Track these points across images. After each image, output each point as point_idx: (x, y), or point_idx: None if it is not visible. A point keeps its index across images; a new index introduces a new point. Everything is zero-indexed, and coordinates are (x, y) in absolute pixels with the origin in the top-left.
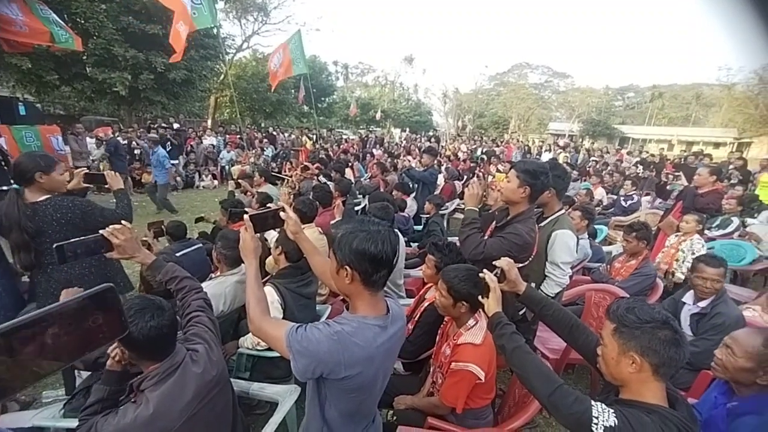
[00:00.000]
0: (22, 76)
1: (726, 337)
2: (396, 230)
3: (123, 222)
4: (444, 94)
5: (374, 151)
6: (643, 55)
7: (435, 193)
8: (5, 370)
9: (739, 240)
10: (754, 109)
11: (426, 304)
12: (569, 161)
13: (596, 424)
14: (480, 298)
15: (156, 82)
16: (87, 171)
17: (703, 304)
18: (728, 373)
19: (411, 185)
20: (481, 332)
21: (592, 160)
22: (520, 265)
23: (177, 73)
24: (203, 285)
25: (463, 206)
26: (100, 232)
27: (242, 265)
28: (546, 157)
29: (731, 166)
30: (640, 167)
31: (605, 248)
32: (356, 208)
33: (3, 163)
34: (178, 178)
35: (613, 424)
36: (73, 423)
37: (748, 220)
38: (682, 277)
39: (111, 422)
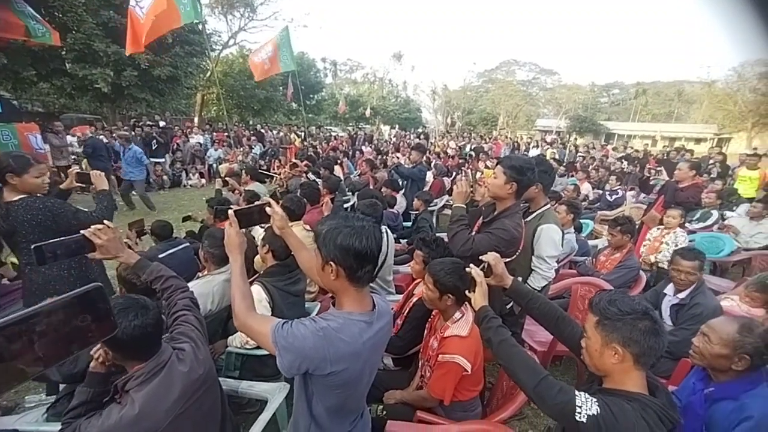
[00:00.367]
0: None
1: (703, 325)
2: (384, 226)
3: (105, 222)
4: (433, 91)
5: (363, 148)
6: (628, 52)
7: (424, 189)
8: None
9: (718, 232)
10: (733, 106)
11: (414, 299)
12: (557, 157)
13: (579, 413)
14: (467, 292)
15: (140, 78)
16: (79, 171)
17: (682, 295)
18: (705, 360)
19: (400, 182)
20: (467, 325)
21: (579, 156)
22: (508, 259)
23: (162, 69)
24: (191, 284)
25: (451, 203)
26: (82, 232)
27: (228, 264)
28: (534, 153)
29: (711, 161)
30: (625, 163)
31: (591, 242)
32: (345, 206)
33: None
34: (165, 177)
35: (595, 413)
36: (57, 427)
37: (727, 213)
38: (666, 267)
39: (95, 424)
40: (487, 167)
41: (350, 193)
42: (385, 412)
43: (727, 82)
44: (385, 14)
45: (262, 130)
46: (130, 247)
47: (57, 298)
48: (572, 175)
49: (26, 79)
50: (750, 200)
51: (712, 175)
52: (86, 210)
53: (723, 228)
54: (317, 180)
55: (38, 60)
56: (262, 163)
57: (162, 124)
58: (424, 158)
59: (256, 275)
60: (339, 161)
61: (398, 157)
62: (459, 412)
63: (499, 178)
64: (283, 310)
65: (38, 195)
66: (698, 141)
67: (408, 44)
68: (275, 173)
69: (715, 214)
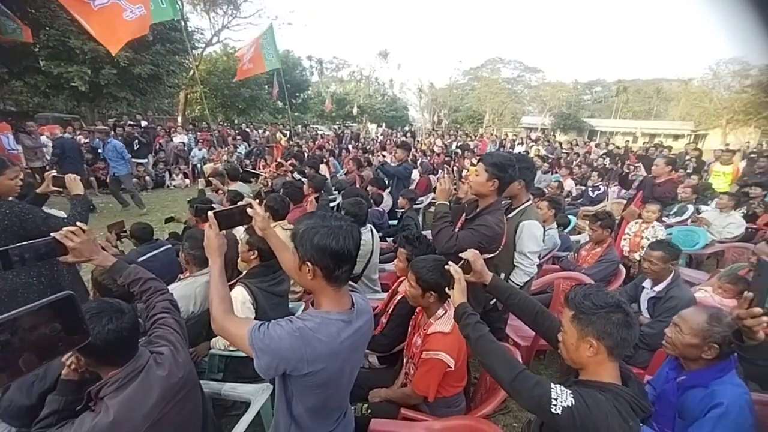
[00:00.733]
0: None
1: (675, 316)
2: (369, 225)
3: (78, 223)
4: (419, 89)
5: (350, 146)
6: (609, 50)
7: (410, 187)
8: None
9: (692, 226)
10: (708, 103)
11: (398, 297)
12: (543, 154)
13: (555, 405)
14: (446, 289)
15: (119, 77)
16: (56, 174)
17: (658, 288)
18: (677, 349)
19: (386, 180)
20: (450, 321)
21: (563, 153)
22: (490, 255)
23: (142, 68)
24: (172, 286)
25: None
26: (52, 234)
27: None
28: (519, 150)
29: (688, 157)
30: (607, 159)
31: (574, 237)
32: (331, 205)
33: None
34: (148, 178)
35: (570, 404)
36: None
37: (702, 207)
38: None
39: None
40: (472, 164)
41: (336, 192)
42: (369, 411)
43: (703, 80)
44: (371, 12)
45: (247, 130)
46: (105, 249)
47: (24, 308)
48: (556, 172)
49: None
50: (724, 194)
51: (688, 171)
52: (59, 215)
53: (696, 221)
54: (303, 179)
55: (9, 57)
56: (248, 162)
57: (144, 123)
58: (410, 156)
59: (240, 275)
60: (325, 160)
61: (383, 155)
62: (443, 408)
63: (481, 175)
64: (267, 311)
65: (5, 199)
66: (676, 137)
67: (394, 42)
68: (261, 173)
69: (691, 208)
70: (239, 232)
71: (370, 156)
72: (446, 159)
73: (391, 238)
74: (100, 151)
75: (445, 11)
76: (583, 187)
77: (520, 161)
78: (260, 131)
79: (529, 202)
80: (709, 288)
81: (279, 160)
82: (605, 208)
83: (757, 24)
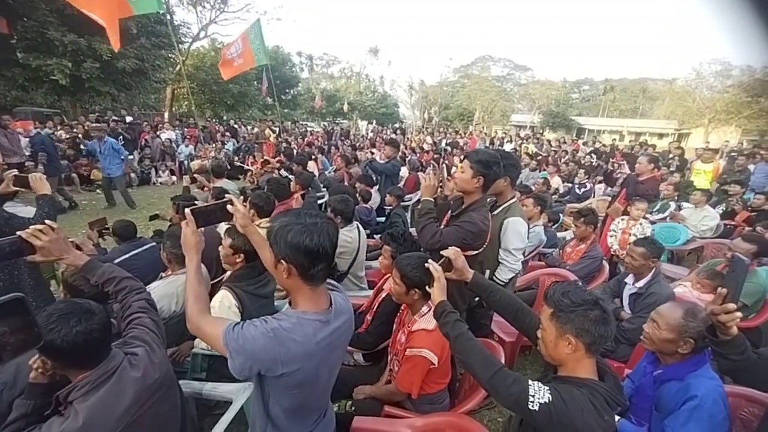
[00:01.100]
0: None
1: (652, 312)
2: (356, 223)
3: (47, 221)
4: (410, 86)
5: (339, 143)
6: (597, 49)
7: (398, 184)
8: None
9: (671, 222)
10: (691, 103)
11: (383, 294)
12: (532, 151)
13: (532, 402)
14: (426, 287)
15: (102, 71)
16: (17, 173)
17: (640, 284)
18: (654, 344)
19: (374, 177)
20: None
21: (552, 150)
22: (475, 252)
23: (126, 62)
24: (153, 285)
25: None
26: (18, 233)
27: None
28: (508, 147)
29: (671, 155)
30: (594, 156)
31: (560, 234)
32: (319, 202)
33: None
34: (133, 174)
35: (547, 400)
36: None
37: (684, 204)
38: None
39: None
40: (461, 162)
41: (325, 189)
42: (353, 408)
43: (686, 80)
44: (361, 8)
45: (236, 126)
46: (79, 248)
47: None
48: (544, 170)
49: None
50: (698, 191)
51: (671, 169)
52: (23, 216)
53: (673, 217)
54: (290, 176)
55: None
56: (236, 159)
57: (129, 119)
58: (399, 153)
59: (224, 276)
60: (314, 157)
61: (372, 152)
62: (427, 405)
63: (466, 172)
64: (253, 315)
65: None
66: (661, 136)
67: (384, 39)
68: (249, 168)
69: (673, 205)
70: (223, 229)
71: (358, 153)
72: (435, 156)
73: (379, 236)
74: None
75: (435, 8)
76: (570, 185)
77: (505, 158)
78: (249, 128)
79: (514, 199)
80: (688, 283)
81: (265, 157)
82: (591, 205)
83: (757, 24)
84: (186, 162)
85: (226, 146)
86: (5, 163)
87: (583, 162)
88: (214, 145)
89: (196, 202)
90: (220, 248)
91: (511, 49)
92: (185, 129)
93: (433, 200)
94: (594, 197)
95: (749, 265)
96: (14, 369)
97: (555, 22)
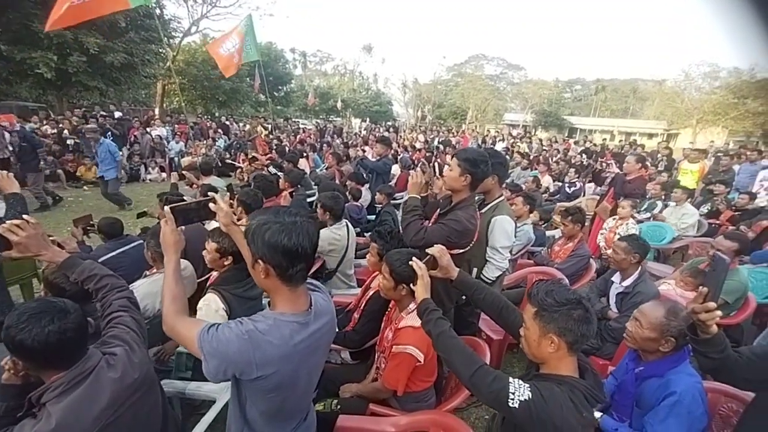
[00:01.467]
0: None
1: (635, 310)
2: (346, 220)
3: (25, 216)
4: (403, 84)
5: (330, 141)
6: (589, 49)
7: (389, 182)
8: None
9: (659, 222)
10: (680, 104)
11: (371, 292)
12: (524, 150)
13: (512, 399)
14: (410, 285)
15: (89, 65)
16: None
17: (626, 282)
18: (637, 343)
19: (365, 175)
20: None
21: (543, 150)
22: (461, 250)
23: (115, 56)
24: (138, 283)
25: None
26: None
27: (180, 261)
28: (500, 146)
29: (659, 155)
30: (584, 156)
31: (550, 232)
32: (309, 200)
33: None
34: (122, 171)
35: (527, 398)
36: None
37: (670, 203)
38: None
39: None
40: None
41: (316, 187)
42: (338, 407)
43: (675, 81)
44: (355, 5)
45: (228, 123)
46: (61, 245)
47: None
48: (535, 169)
49: None
50: (678, 189)
51: (659, 168)
52: None
53: (656, 217)
54: (279, 173)
55: None
56: (228, 155)
57: (118, 114)
58: (391, 151)
59: (211, 274)
60: (305, 154)
61: (364, 150)
62: (413, 403)
63: (454, 170)
64: (241, 317)
65: None
66: (650, 136)
67: (378, 36)
68: (240, 165)
69: (660, 204)
70: (212, 226)
71: (350, 150)
72: (427, 155)
73: (369, 234)
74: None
75: (429, 6)
76: (561, 184)
77: (493, 157)
78: (241, 124)
79: (502, 198)
80: (672, 281)
81: (254, 154)
82: (580, 203)
83: (757, 24)
84: (176, 159)
85: (217, 143)
86: None
87: (573, 161)
88: (205, 141)
89: (184, 198)
90: (204, 253)
91: (504, 48)
92: (176, 125)
93: (419, 197)
94: (584, 196)
95: (730, 263)
96: None
97: (548, 22)
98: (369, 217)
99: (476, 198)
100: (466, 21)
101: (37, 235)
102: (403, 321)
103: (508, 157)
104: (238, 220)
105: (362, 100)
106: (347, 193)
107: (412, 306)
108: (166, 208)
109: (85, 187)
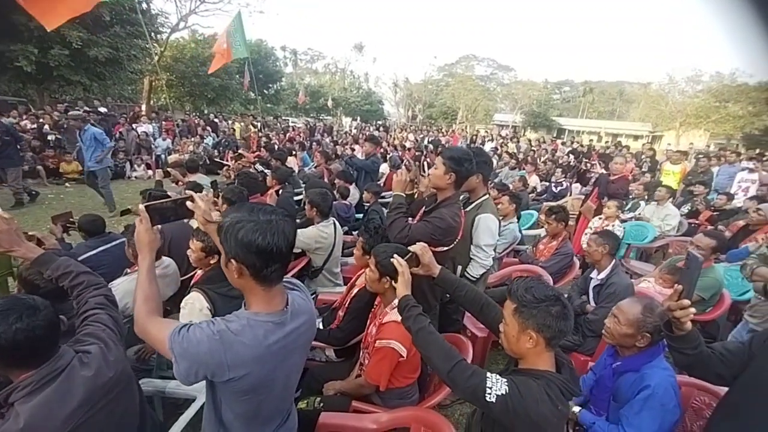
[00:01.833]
0: None
1: (614, 307)
2: (333, 219)
3: None
4: (394, 83)
5: (321, 139)
6: (577, 51)
7: (377, 181)
8: None
9: (641, 221)
10: (664, 106)
11: (356, 290)
12: (513, 150)
13: (489, 394)
14: (392, 282)
15: (72, 59)
16: None
17: (601, 276)
18: (615, 339)
19: (354, 173)
20: None
21: (531, 150)
22: (446, 248)
23: (99, 50)
24: (118, 281)
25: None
26: None
27: (163, 258)
28: (489, 146)
29: (644, 156)
30: (572, 156)
31: (535, 231)
32: (296, 198)
33: None
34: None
35: (504, 392)
36: None
37: (652, 202)
38: None
39: None
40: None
41: (304, 186)
42: (322, 404)
43: (660, 85)
44: (346, 4)
45: (216, 120)
46: (40, 241)
47: None
48: (523, 168)
49: None
50: (662, 187)
51: (643, 169)
52: None
53: (638, 218)
54: (266, 171)
55: None
56: (216, 153)
57: (102, 110)
58: (380, 150)
59: (195, 272)
60: (294, 153)
61: (353, 149)
62: (396, 399)
63: (439, 168)
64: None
65: None
66: (636, 138)
67: (369, 35)
68: (227, 163)
69: (643, 204)
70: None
71: (338, 149)
72: (417, 154)
73: (357, 231)
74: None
75: (420, 5)
76: (548, 183)
77: (478, 156)
78: (229, 122)
79: (486, 196)
80: (652, 279)
81: (240, 151)
82: (566, 203)
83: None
84: (163, 156)
85: (205, 140)
86: None
87: (560, 161)
88: (192, 139)
89: (168, 196)
90: (189, 252)
91: (494, 49)
92: (163, 122)
93: (404, 195)
94: (570, 196)
95: (706, 261)
96: None
97: (538, 24)
98: (357, 215)
99: (461, 196)
100: (457, 21)
101: (9, 231)
102: (387, 316)
103: (497, 157)
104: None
105: (353, 99)
106: (335, 192)
107: (397, 301)
108: (141, 206)
109: (67, 184)
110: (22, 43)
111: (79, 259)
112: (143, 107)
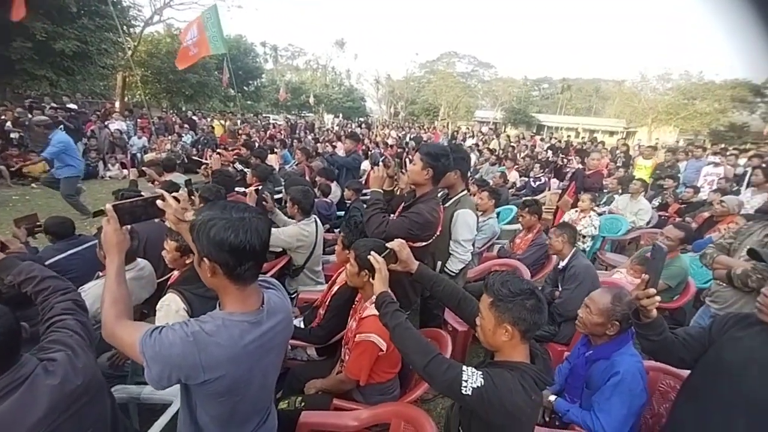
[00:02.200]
0: None
1: (586, 298)
2: (314, 216)
3: None
4: (376, 80)
5: (303, 137)
6: (556, 48)
7: (360, 179)
8: None
9: (615, 214)
10: (637, 103)
11: (336, 287)
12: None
13: (465, 387)
14: (369, 279)
15: (36, 52)
16: None
17: (563, 263)
18: (587, 328)
19: (335, 171)
20: None
21: (510, 146)
22: (424, 243)
23: (66, 43)
24: (88, 285)
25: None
26: None
27: (137, 260)
28: (470, 142)
29: (618, 151)
30: (550, 152)
31: (515, 226)
32: (276, 197)
33: None
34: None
35: (480, 384)
36: None
37: (626, 195)
38: (581, 245)
39: None
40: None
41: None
42: (303, 404)
43: (633, 82)
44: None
45: (195, 118)
46: (4, 246)
47: None
48: (503, 164)
49: None
50: (637, 180)
51: (618, 164)
52: None
53: (612, 211)
54: (245, 169)
55: None
56: (194, 152)
57: (72, 106)
58: (362, 147)
59: (171, 274)
60: (276, 150)
61: (335, 146)
62: (377, 395)
63: (416, 164)
64: None
65: None
66: (612, 134)
67: (351, 32)
68: (206, 162)
69: (617, 198)
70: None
71: (320, 146)
72: (398, 151)
73: (338, 229)
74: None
75: (401, 2)
76: (527, 179)
77: (455, 152)
78: (208, 120)
79: (465, 192)
80: (624, 270)
81: (219, 150)
82: (545, 198)
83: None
84: (139, 155)
85: (183, 139)
86: None
87: (539, 157)
88: (170, 137)
89: (142, 194)
90: (164, 252)
91: (475, 46)
92: (138, 120)
93: (381, 191)
94: (549, 190)
95: (667, 253)
96: None
97: (517, 21)
98: (339, 213)
99: (440, 193)
100: (437, 18)
101: None
102: (367, 310)
103: (477, 153)
104: None
105: (335, 95)
106: (316, 189)
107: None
108: (108, 206)
109: (33, 185)
110: None
111: (47, 263)
112: (116, 104)
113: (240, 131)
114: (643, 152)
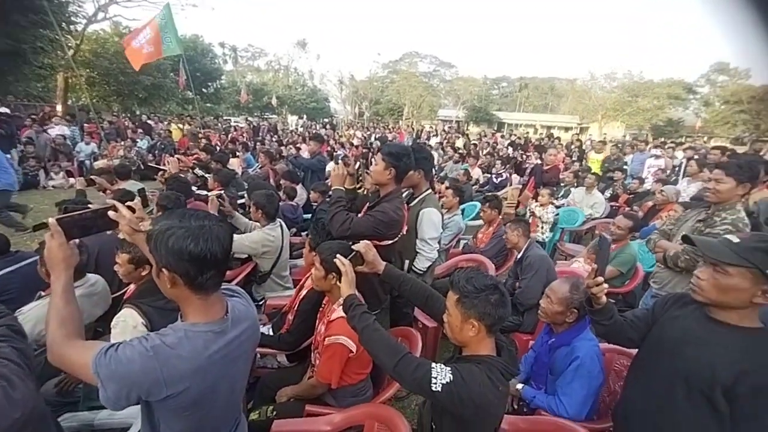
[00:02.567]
0: None
1: (547, 288)
2: (280, 220)
3: None
4: (340, 80)
5: (267, 139)
6: (512, 48)
7: (326, 180)
8: None
9: (572, 207)
10: (588, 101)
11: (304, 292)
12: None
13: (435, 383)
14: (336, 282)
15: None
16: None
17: (519, 254)
18: (549, 317)
19: (300, 173)
20: None
21: (472, 144)
22: (390, 241)
23: None
24: (29, 306)
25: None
26: None
27: (87, 276)
28: (434, 141)
29: (573, 147)
30: (511, 149)
31: (479, 222)
32: (239, 202)
33: None
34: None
35: (449, 380)
36: None
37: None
38: (541, 236)
39: None
40: None
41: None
42: (275, 413)
43: (584, 81)
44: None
45: (150, 122)
46: None
47: None
48: (465, 162)
49: None
50: (592, 174)
51: (573, 158)
52: None
53: (569, 204)
54: (206, 175)
55: None
56: (151, 158)
57: (4, 110)
58: (327, 148)
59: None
60: (238, 154)
61: (299, 148)
62: (350, 398)
63: (379, 164)
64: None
65: None
66: (567, 129)
67: (312, 32)
68: (164, 168)
69: (573, 191)
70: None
71: (283, 148)
72: (364, 151)
73: (305, 233)
74: None
75: (362, 2)
76: (489, 175)
77: (418, 151)
78: (165, 123)
79: (429, 191)
80: (581, 258)
81: (178, 156)
82: (506, 193)
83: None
84: (88, 162)
85: (138, 144)
86: None
87: (501, 154)
88: (123, 142)
89: (89, 205)
90: (116, 266)
91: (436, 46)
92: (85, 124)
93: (344, 189)
94: (510, 186)
95: (611, 243)
96: None
97: (475, 21)
98: (305, 216)
99: (405, 193)
100: (399, 19)
101: None
102: (335, 313)
103: (441, 151)
104: None
105: (298, 96)
106: (281, 192)
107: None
108: (51, 219)
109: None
110: None
111: None
112: (58, 107)
113: (201, 134)
114: (594, 147)
